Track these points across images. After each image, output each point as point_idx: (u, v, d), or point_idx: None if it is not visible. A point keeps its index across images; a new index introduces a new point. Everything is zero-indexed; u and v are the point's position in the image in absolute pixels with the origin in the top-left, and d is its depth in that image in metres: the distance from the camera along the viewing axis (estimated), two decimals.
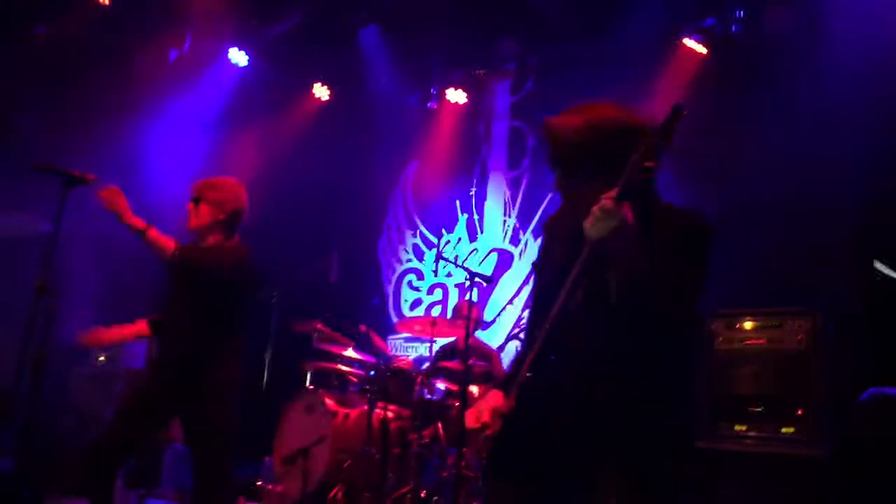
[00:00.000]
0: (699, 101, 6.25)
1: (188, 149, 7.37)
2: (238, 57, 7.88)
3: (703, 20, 6.22)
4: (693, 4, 6.30)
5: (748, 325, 4.73)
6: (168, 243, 3.63)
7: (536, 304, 2.42)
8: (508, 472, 2.21)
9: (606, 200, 2.02)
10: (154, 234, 3.61)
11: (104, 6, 6.89)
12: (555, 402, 2.13)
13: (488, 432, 2.22)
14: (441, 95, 8.11)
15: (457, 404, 5.53)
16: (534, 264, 2.51)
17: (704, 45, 6.31)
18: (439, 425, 5.68)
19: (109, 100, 6.66)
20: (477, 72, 8.07)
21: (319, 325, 6.24)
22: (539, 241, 3.18)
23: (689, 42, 6.35)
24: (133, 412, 3.66)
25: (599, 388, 2.09)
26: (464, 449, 5.17)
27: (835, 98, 5.29)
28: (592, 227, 2.04)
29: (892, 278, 5.20)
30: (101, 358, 6.60)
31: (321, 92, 8.43)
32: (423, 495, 5.18)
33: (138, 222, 3.61)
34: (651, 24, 6.21)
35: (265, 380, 6.70)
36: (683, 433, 2.39)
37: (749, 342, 4.70)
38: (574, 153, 2.24)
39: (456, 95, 8.07)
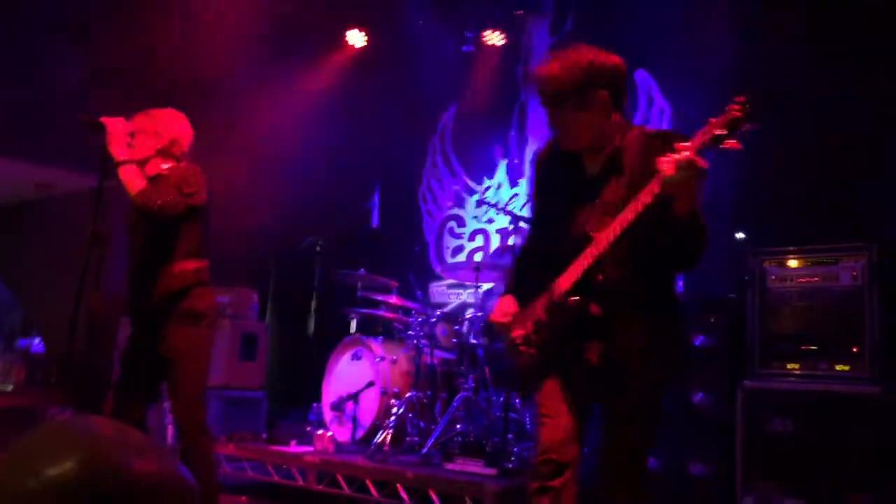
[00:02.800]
0: (750, 37, 6.05)
1: (225, 101, 7.33)
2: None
3: None
4: None
5: (801, 262, 4.64)
6: (139, 182, 3.51)
7: (539, 233, 2.95)
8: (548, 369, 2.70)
9: (690, 153, 2.24)
10: (127, 170, 3.51)
11: None
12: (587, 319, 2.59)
13: (514, 333, 2.76)
14: (478, 38, 7.96)
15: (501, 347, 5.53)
16: (531, 196, 3.07)
17: None
18: (486, 370, 5.69)
19: (143, 55, 6.63)
20: (515, 12, 7.89)
21: (363, 273, 6.26)
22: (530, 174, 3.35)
23: None
24: (130, 371, 3.69)
25: (622, 312, 2.56)
26: (510, 392, 5.18)
27: None
28: (673, 174, 2.27)
29: None
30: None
31: (356, 38, 8.32)
32: (471, 439, 5.21)
33: (120, 153, 3.53)
34: None
35: (311, 329, 6.75)
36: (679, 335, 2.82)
37: (802, 280, 4.62)
38: (555, 94, 2.60)
39: (494, 37, 7.91)
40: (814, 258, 4.60)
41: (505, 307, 2.85)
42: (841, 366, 4.42)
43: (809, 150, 5.34)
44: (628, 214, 2.43)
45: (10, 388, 8.36)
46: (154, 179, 3.65)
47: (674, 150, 2.28)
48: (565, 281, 2.64)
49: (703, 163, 2.25)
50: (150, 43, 6.72)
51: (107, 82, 6.58)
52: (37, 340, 8.27)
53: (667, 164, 2.28)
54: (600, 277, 2.57)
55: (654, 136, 2.61)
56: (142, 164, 3.69)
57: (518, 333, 2.76)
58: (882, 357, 4.30)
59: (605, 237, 2.51)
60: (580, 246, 2.60)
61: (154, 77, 6.53)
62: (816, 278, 4.57)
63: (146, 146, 3.71)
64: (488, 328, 5.72)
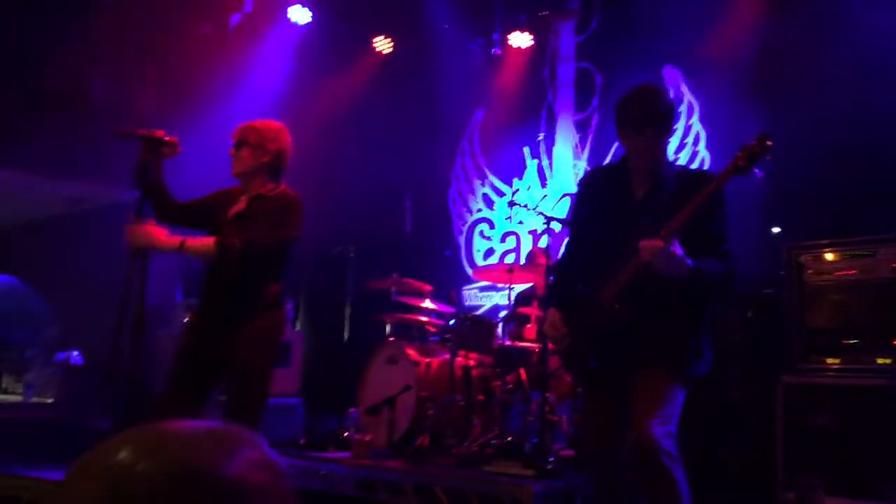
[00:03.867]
0: (773, 28, 6.01)
1: (257, 110, 7.41)
2: (299, 15, 7.87)
3: None
4: None
5: (838, 255, 4.59)
6: (207, 242, 3.49)
7: (578, 246, 3.29)
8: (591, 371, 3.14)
9: (661, 244, 2.77)
10: (191, 242, 3.48)
11: None
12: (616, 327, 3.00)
13: (564, 342, 3.11)
14: (504, 40, 7.97)
15: (538, 349, 5.52)
16: (574, 205, 3.54)
17: None
18: (521, 371, 5.68)
19: (176, 68, 6.73)
20: (540, 13, 7.89)
21: (397, 278, 6.28)
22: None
23: None
24: (183, 375, 3.67)
25: (652, 320, 2.97)
26: (547, 393, 5.18)
27: None
28: (649, 258, 2.82)
29: None
30: (187, 319, 6.78)
31: (383, 44, 8.37)
32: (509, 440, 5.21)
33: (173, 241, 3.47)
34: None
35: (346, 334, 6.80)
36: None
37: (840, 273, 4.56)
38: (641, 118, 3.02)
39: (520, 39, 7.92)
40: (850, 251, 4.54)
41: (554, 319, 3.16)
42: (882, 359, 4.36)
43: (840, 143, 5.28)
44: (668, 233, 2.82)
45: (50, 399, 8.52)
46: (256, 200, 3.69)
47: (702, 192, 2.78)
48: (609, 291, 2.99)
49: (673, 250, 2.77)
50: (177, 54, 6.82)
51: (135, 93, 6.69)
52: (75, 353, 8.42)
53: (645, 250, 2.80)
54: (640, 291, 2.93)
55: (690, 175, 3.20)
56: (247, 179, 3.71)
57: (567, 341, 3.12)
58: None
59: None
60: (622, 260, 2.95)
61: (185, 84, 6.62)
62: (854, 271, 4.51)
63: (248, 159, 3.69)
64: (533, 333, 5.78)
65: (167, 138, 3.62)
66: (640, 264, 2.87)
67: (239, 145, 3.71)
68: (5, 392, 8.86)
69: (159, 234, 3.48)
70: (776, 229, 5.44)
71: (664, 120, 3.03)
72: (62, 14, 6.71)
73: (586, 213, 3.29)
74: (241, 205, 3.74)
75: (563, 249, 3.49)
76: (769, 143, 2.61)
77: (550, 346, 4.88)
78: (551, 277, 3.71)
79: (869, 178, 5.16)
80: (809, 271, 4.64)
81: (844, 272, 4.54)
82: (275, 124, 3.80)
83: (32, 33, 6.66)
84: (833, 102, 5.33)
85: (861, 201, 5.15)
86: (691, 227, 2.83)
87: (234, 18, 7.86)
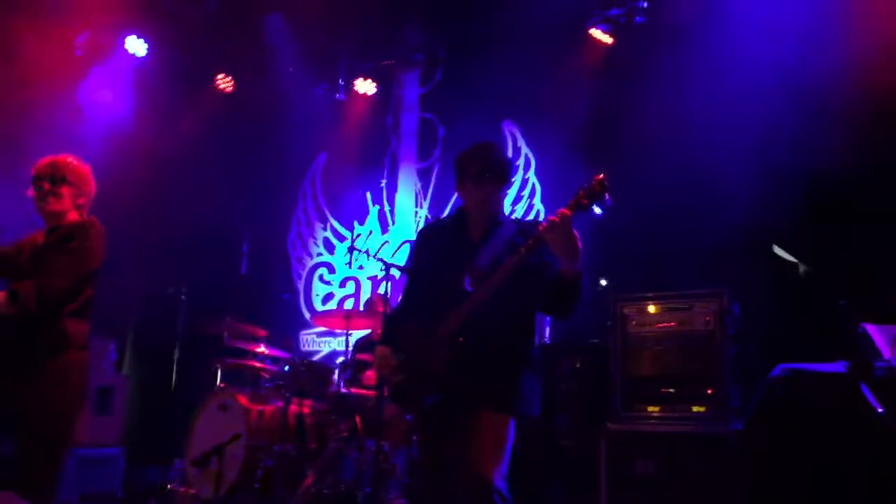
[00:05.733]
0: (604, 90, 6.37)
1: (92, 139, 7.02)
2: (136, 46, 7.59)
3: (610, 9, 6.32)
4: None
5: (659, 308, 4.85)
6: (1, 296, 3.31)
7: (416, 288, 3.36)
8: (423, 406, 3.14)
9: (565, 211, 2.80)
10: None
11: None
12: (456, 361, 3.02)
13: (396, 378, 3.15)
14: (349, 86, 8.02)
15: (374, 396, 5.48)
16: (411, 252, 3.59)
17: (609, 35, 6.43)
18: (357, 419, 5.61)
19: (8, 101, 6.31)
20: (385, 62, 8.01)
21: (230, 321, 6.08)
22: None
23: (594, 31, 6.47)
24: None
25: (490, 356, 3.04)
26: (382, 441, 5.13)
27: (731, 88, 5.48)
28: (553, 228, 2.80)
29: (789, 261, 5.42)
30: None
31: (225, 82, 8.21)
32: (342, 490, 5.11)
33: None
34: (557, 15, 6.29)
35: (174, 380, 6.49)
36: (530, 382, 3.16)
37: (660, 325, 4.83)
38: (496, 170, 3.20)
39: (364, 86, 8.00)
40: (670, 304, 4.82)
41: (385, 353, 3.23)
42: (697, 407, 4.62)
43: (663, 202, 5.64)
44: (504, 270, 2.92)
45: None
46: (50, 233, 3.50)
47: (536, 237, 2.87)
48: (447, 327, 3.04)
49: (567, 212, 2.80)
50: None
51: None
52: None
53: (546, 220, 2.84)
54: (477, 327, 2.99)
55: (525, 223, 3.33)
56: (58, 218, 3.55)
57: (399, 378, 3.16)
58: (734, 398, 4.53)
59: (485, 289, 2.97)
60: (459, 299, 3.03)
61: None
62: (673, 323, 4.78)
63: (68, 198, 3.57)
64: (357, 369, 5.72)
65: None
66: (479, 300, 2.97)
67: (58, 181, 3.54)
68: None
69: None
70: (603, 282, 5.70)
71: (502, 174, 3.19)
72: None
73: (423, 259, 3.39)
74: (35, 237, 3.59)
75: (400, 297, 3.53)
76: (606, 182, 2.76)
77: (385, 391, 4.86)
78: (386, 319, 3.73)
79: (688, 237, 5.52)
80: (633, 322, 4.89)
81: (664, 324, 4.81)
82: (86, 165, 3.69)
83: None
84: (656, 164, 5.69)
85: (680, 258, 5.49)
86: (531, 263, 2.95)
87: (77, 43, 7.48)
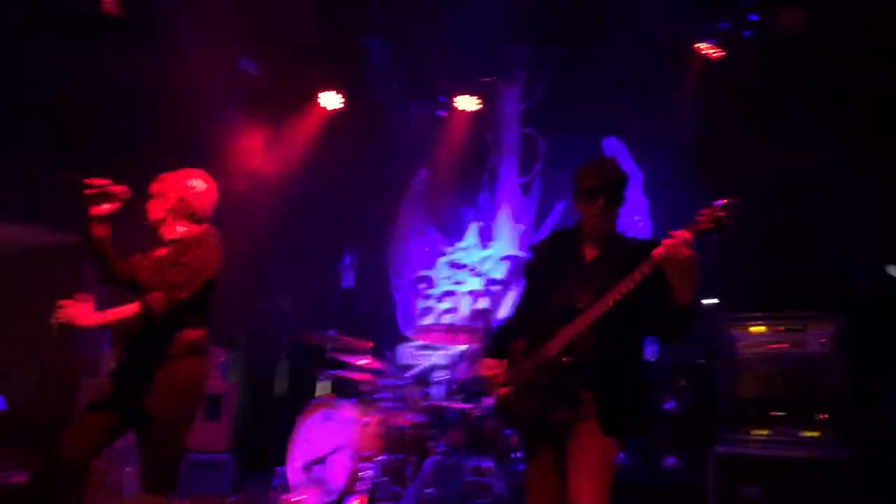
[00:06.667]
0: (712, 104, 6.26)
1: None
2: (247, 66, 7.87)
3: (717, 23, 6.21)
4: (706, 6, 6.29)
5: (769, 329, 4.73)
6: (131, 311, 3.47)
7: (528, 304, 3.31)
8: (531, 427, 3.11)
9: (686, 234, 2.71)
10: (114, 316, 3.48)
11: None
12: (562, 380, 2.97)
13: (502, 391, 3.10)
14: (450, 103, 8.11)
15: (475, 410, 5.52)
16: (526, 266, 3.48)
17: (718, 49, 6.31)
18: (457, 432, 5.65)
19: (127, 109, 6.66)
20: (486, 79, 8.07)
21: (334, 333, 6.22)
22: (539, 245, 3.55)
23: (702, 46, 6.36)
24: (97, 417, 3.58)
25: (596, 377, 2.95)
26: (482, 455, 5.16)
27: None
28: (672, 251, 2.71)
29: None
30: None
31: (329, 101, 8.41)
32: (443, 502, 5.15)
33: (97, 320, 3.47)
34: (663, 29, 6.21)
35: (280, 388, 6.68)
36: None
37: (771, 346, 4.70)
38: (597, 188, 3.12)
39: (465, 103, 8.06)
40: (782, 325, 4.68)
41: (490, 363, 3.22)
42: (808, 432, 4.48)
43: (775, 221, 5.50)
44: (617, 294, 2.85)
45: None
46: (170, 245, 3.68)
47: (652, 262, 2.77)
48: (554, 345, 2.98)
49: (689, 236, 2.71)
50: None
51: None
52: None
53: (664, 245, 2.73)
54: (585, 346, 2.93)
55: (639, 244, 3.16)
56: (157, 226, 3.75)
57: (506, 391, 3.11)
58: (848, 423, 4.37)
59: (595, 311, 2.90)
60: (568, 318, 2.97)
61: (131, 135, 6.53)
62: (785, 345, 4.65)
63: (157, 209, 3.76)
64: (465, 386, 5.73)
65: (113, 187, 3.56)
66: (588, 321, 2.90)
67: (155, 193, 3.77)
68: None
69: (83, 316, 3.45)
70: (711, 301, 5.58)
71: (614, 191, 3.13)
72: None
73: (537, 275, 3.34)
74: (158, 252, 3.75)
75: (513, 308, 3.52)
76: (733, 208, 2.66)
77: (490, 401, 4.88)
78: (491, 332, 3.71)
79: (801, 256, 5.35)
80: (741, 343, 4.77)
81: (775, 345, 4.68)
82: (175, 173, 3.83)
83: None
84: (766, 179, 5.55)
85: (793, 278, 5.33)
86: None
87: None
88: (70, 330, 3.46)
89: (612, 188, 3.13)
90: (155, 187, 3.79)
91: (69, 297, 3.50)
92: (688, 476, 4.89)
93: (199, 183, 3.83)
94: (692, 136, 6.09)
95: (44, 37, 6.59)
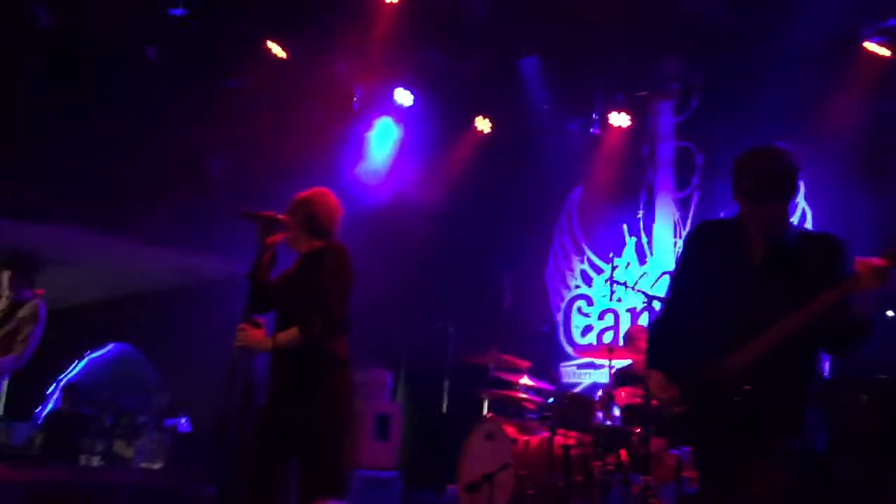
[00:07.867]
0: (882, 107, 5.92)
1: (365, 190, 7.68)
2: (404, 97, 8.19)
3: (886, 20, 5.87)
4: (872, 4, 5.97)
5: None
6: (293, 335, 3.61)
7: (684, 304, 3.02)
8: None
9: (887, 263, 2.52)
10: (280, 340, 3.64)
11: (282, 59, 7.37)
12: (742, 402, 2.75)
13: (677, 409, 2.89)
14: (604, 120, 8.07)
15: (638, 430, 5.44)
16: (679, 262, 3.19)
17: (887, 48, 5.97)
18: (622, 452, 5.59)
19: (294, 146, 7.08)
20: (639, 94, 7.99)
21: (495, 353, 6.31)
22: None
23: (869, 45, 6.03)
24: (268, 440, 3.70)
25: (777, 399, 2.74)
26: (648, 476, 5.07)
27: None
28: (869, 279, 2.53)
29: None
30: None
31: (483, 124, 8.58)
32: None
33: (267, 344, 3.65)
34: (826, 30, 5.94)
35: (444, 408, 6.83)
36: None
37: None
38: (767, 182, 2.77)
39: (619, 119, 8.00)
40: None
41: (661, 380, 2.98)
42: None
43: None
44: (811, 310, 2.63)
45: (158, 465, 8.78)
46: (304, 258, 3.84)
47: (835, 257, 2.68)
48: (735, 364, 2.77)
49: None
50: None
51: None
52: (183, 420, 8.69)
53: (864, 266, 2.54)
54: (765, 368, 2.72)
55: (812, 239, 2.90)
56: (291, 244, 3.90)
57: (681, 411, 2.91)
58: None
59: (776, 334, 2.69)
60: (746, 332, 2.75)
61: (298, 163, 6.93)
62: None
63: (291, 228, 3.89)
64: (634, 407, 5.63)
65: (281, 217, 3.81)
66: (780, 337, 2.68)
67: (287, 212, 3.91)
68: (115, 457, 9.17)
69: (257, 339, 3.65)
70: (891, 313, 5.26)
71: (782, 187, 2.77)
72: (186, 93, 7.15)
73: (694, 270, 3.05)
74: (290, 267, 3.88)
75: (663, 304, 3.33)
76: None
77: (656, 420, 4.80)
78: (650, 334, 3.43)
79: None
80: None
81: None
82: (303, 193, 3.95)
83: (158, 108, 7.09)
84: None
85: None
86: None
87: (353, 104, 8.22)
88: (249, 353, 3.72)
89: (776, 186, 2.75)
90: (288, 209, 3.91)
91: (246, 322, 3.77)
92: (866, 496, 4.61)
93: (323, 199, 3.95)
94: (860, 141, 5.78)
95: None
